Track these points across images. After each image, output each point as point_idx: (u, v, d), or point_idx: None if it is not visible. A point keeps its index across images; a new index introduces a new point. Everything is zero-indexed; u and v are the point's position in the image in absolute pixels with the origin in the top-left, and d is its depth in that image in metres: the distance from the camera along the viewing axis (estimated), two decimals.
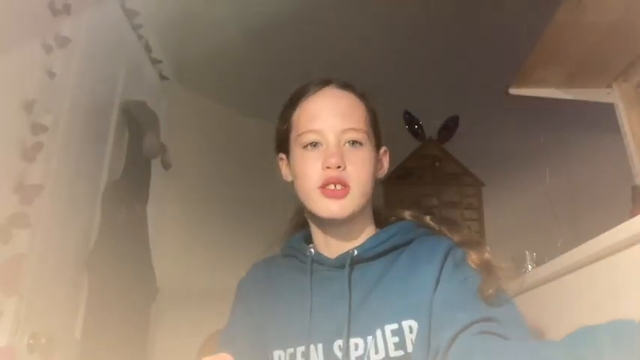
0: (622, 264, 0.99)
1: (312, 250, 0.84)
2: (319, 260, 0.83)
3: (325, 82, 0.85)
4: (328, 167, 0.78)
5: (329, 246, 0.84)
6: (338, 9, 2.08)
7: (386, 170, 0.89)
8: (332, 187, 0.79)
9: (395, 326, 0.73)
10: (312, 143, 0.81)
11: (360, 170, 0.80)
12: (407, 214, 0.89)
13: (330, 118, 0.81)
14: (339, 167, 0.78)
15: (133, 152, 1.85)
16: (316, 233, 0.86)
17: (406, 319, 0.73)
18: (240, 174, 2.60)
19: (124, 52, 1.85)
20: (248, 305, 0.87)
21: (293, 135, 0.85)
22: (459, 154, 3.14)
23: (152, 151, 1.92)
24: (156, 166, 2.05)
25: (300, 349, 0.77)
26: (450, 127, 3.12)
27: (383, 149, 0.88)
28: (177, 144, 2.23)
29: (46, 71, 1.33)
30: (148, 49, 2.06)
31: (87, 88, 1.53)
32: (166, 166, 2.07)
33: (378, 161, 0.86)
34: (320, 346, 0.76)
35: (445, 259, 0.77)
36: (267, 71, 2.44)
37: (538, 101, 1.93)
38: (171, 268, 2.09)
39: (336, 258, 0.82)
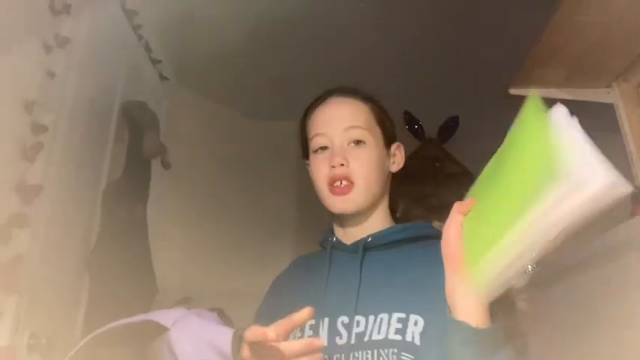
0: (622, 264, 0.99)
1: (334, 238, 0.94)
2: (338, 246, 0.93)
3: (329, 93, 0.97)
4: (333, 166, 0.88)
5: (346, 235, 0.94)
6: (339, 10, 2.08)
7: (402, 163, 0.99)
8: (338, 183, 0.89)
9: (402, 315, 0.79)
10: (321, 147, 0.92)
11: (364, 167, 0.89)
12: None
13: (332, 120, 0.92)
14: (342, 165, 0.88)
15: (133, 152, 1.85)
16: (336, 224, 0.96)
17: (414, 313, 0.79)
18: (241, 174, 2.60)
19: (124, 52, 1.85)
20: (269, 300, 0.97)
21: (309, 142, 0.96)
22: (459, 154, 3.13)
23: (152, 151, 1.92)
24: (156, 166, 2.05)
25: (311, 322, 0.84)
26: (450, 127, 3.11)
27: (396, 144, 0.98)
28: (177, 144, 2.23)
29: (46, 71, 1.33)
30: (148, 49, 2.06)
31: (87, 88, 1.53)
32: (166, 166, 2.07)
33: (388, 157, 0.96)
34: (326, 320, 0.84)
35: None
36: (268, 72, 2.44)
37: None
38: (171, 268, 2.08)
39: (352, 243, 0.91)
